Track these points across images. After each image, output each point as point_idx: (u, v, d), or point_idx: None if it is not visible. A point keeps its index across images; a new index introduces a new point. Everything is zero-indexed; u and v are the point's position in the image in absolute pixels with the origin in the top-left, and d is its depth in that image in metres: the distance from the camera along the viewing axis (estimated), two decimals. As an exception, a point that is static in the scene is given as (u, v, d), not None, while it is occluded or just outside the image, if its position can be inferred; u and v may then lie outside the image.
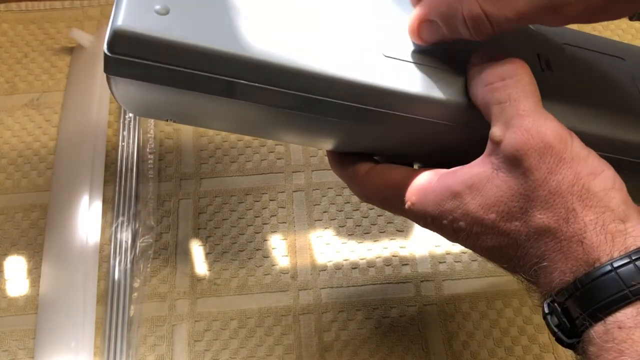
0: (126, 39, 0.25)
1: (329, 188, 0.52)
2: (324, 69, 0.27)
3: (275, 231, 0.50)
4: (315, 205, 0.51)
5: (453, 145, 0.31)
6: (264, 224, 0.50)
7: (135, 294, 0.47)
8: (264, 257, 0.49)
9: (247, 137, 0.54)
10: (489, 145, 0.27)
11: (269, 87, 0.28)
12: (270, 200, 0.51)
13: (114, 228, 0.49)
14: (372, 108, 0.29)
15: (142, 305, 0.46)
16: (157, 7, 0.26)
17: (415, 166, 0.33)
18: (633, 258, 0.23)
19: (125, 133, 0.53)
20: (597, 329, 0.23)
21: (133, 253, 0.48)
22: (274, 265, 0.48)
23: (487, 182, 0.26)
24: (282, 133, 0.35)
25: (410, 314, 0.47)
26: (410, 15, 0.29)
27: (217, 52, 0.26)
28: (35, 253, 0.48)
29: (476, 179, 0.26)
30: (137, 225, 0.49)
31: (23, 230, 0.49)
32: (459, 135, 0.30)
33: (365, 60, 0.28)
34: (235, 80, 0.27)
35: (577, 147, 0.26)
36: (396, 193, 0.30)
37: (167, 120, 0.31)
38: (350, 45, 0.29)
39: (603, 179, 0.25)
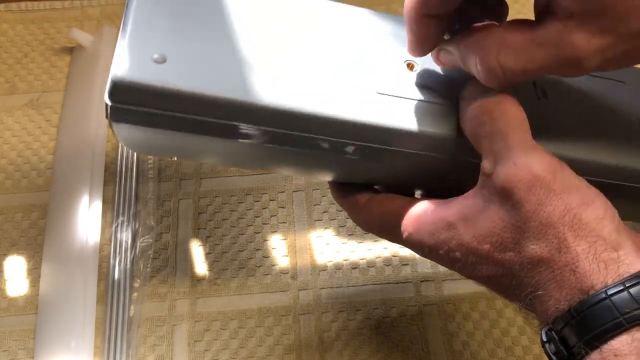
0: (126, 89, 0.26)
1: (328, 188, 0.52)
2: (319, 110, 0.28)
3: (275, 231, 0.50)
4: (315, 205, 0.51)
5: (450, 175, 0.31)
6: (264, 224, 0.50)
7: (135, 294, 0.47)
8: (264, 257, 0.49)
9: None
10: (480, 177, 0.27)
11: (266, 129, 0.28)
12: (270, 200, 0.51)
13: (114, 228, 0.49)
14: (368, 144, 0.29)
15: (142, 305, 0.46)
16: (155, 55, 0.26)
17: (417, 194, 0.34)
18: (627, 285, 0.23)
19: (125, 133, 0.53)
20: (594, 357, 0.24)
21: (133, 253, 0.48)
22: (274, 265, 0.48)
23: (480, 214, 0.27)
24: (282, 168, 0.36)
25: (410, 314, 0.47)
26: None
27: (215, 98, 0.27)
28: (35, 253, 0.48)
29: (469, 211, 0.27)
30: (137, 225, 0.49)
31: (23, 230, 0.49)
32: (456, 166, 0.30)
33: (360, 98, 0.29)
34: (233, 123, 0.28)
35: (568, 177, 0.26)
36: (394, 223, 0.30)
37: (170, 158, 0.32)
38: (345, 84, 0.29)
39: (595, 208, 0.25)
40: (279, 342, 0.45)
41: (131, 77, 0.26)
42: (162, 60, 0.26)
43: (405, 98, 0.30)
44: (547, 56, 0.26)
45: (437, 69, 0.31)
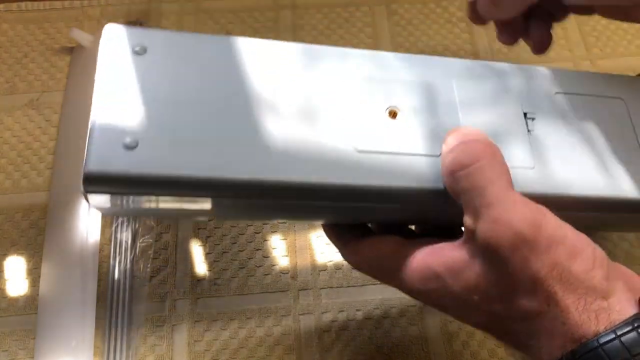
0: (97, 180, 0.26)
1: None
2: (297, 179, 0.27)
3: (275, 231, 0.50)
4: (315, 205, 0.51)
5: (441, 217, 0.31)
6: (264, 224, 0.50)
7: (135, 294, 0.46)
8: (264, 257, 0.49)
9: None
10: (465, 230, 0.27)
11: (244, 200, 0.28)
12: (270, 200, 0.51)
13: (114, 228, 0.49)
14: (351, 204, 0.29)
15: (142, 305, 0.46)
16: (127, 139, 0.26)
17: (416, 228, 0.34)
18: (618, 334, 0.23)
19: (125, 133, 0.53)
20: None
21: (133, 253, 0.48)
22: (274, 265, 0.48)
23: (466, 267, 0.26)
24: (267, 220, 0.35)
25: (410, 314, 0.47)
26: None
27: (190, 178, 0.26)
28: (35, 253, 0.48)
29: (455, 264, 0.27)
30: (137, 225, 0.49)
31: (23, 230, 0.49)
32: (444, 213, 0.29)
33: (339, 161, 0.28)
34: (211, 197, 0.27)
35: (552, 228, 0.25)
36: (385, 266, 0.30)
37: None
38: (322, 146, 0.28)
39: (583, 260, 0.25)
40: (279, 342, 0.45)
41: (103, 168, 0.25)
42: (134, 145, 0.26)
43: (386, 153, 0.29)
44: None
45: (422, 114, 0.30)
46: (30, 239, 0.49)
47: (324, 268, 0.48)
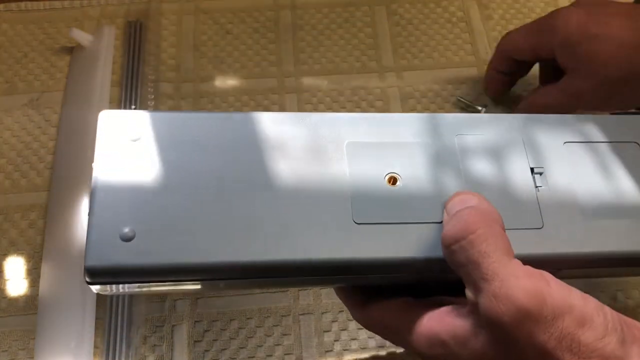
0: (98, 274, 0.26)
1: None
2: (297, 257, 0.27)
3: (275, 231, 0.50)
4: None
5: (447, 281, 0.30)
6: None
7: (136, 294, 0.46)
8: (264, 257, 0.49)
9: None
10: (468, 301, 0.26)
11: (246, 280, 0.28)
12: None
13: (113, 228, 0.49)
14: (352, 276, 0.29)
15: (142, 305, 0.46)
16: (126, 230, 0.26)
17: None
18: None
19: (125, 133, 0.53)
20: None
21: (133, 253, 0.48)
22: (274, 265, 0.48)
23: (472, 336, 0.26)
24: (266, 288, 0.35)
25: (410, 314, 0.47)
26: None
27: (189, 265, 0.26)
28: (35, 253, 0.48)
29: (461, 332, 0.26)
30: (137, 225, 0.49)
31: (22, 230, 0.49)
32: (449, 277, 0.28)
33: (336, 234, 0.27)
34: (211, 280, 0.28)
35: (558, 298, 0.24)
36: (393, 329, 0.30)
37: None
38: (319, 220, 0.28)
39: (593, 327, 0.24)
40: (279, 343, 0.45)
41: (102, 263, 0.26)
42: (131, 237, 0.26)
43: (385, 224, 0.28)
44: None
45: (423, 178, 0.29)
46: (30, 239, 0.49)
47: (324, 268, 0.48)
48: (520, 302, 0.23)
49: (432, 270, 0.28)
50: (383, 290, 0.31)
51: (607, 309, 0.25)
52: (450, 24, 0.62)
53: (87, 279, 0.26)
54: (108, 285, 0.27)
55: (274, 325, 0.46)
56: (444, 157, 0.30)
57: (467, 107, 0.56)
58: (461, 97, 0.56)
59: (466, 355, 0.26)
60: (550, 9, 0.63)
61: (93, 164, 0.28)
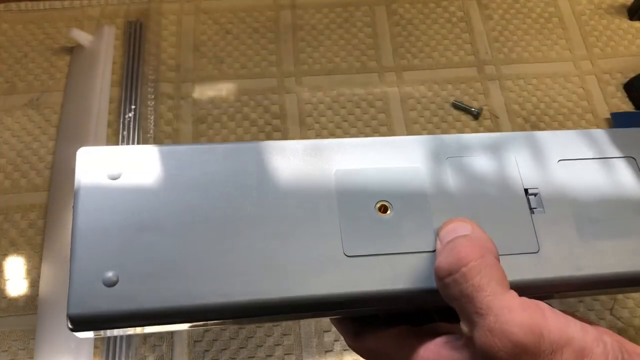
0: (81, 322, 0.26)
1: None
2: (287, 295, 0.26)
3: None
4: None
5: (443, 309, 0.29)
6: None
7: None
8: (264, 257, 0.49)
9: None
10: (463, 333, 0.26)
11: (234, 319, 0.28)
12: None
13: (113, 228, 0.49)
14: (344, 310, 0.28)
15: (142, 306, 0.46)
16: (109, 274, 0.26)
17: None
18: None
19: (125, 133, 0.53)
20: None
21: (133, 253, 0.48)
22: (274, 265, 0.48)
23: None
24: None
25: (410, 314, 0.47)
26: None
27: (174, 309, 0.26)
28: (35, 253, 0.48)
29: None
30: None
31: (22, 230, 0.49)
32: (445, 307, 0.28)
33: (327, 269, 0.27)
34: (196, 322, 0.27)
35: (556, 331, 0.23)
36: (389, 358, 0.29)
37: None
38: (309, 255, 0.27)
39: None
40: (279, 343, 0.45)
41: (85, 310, 0.25)
42: (114, 281, 0.26)
43: (376, 255, 0.27)
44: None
45: (414, 205, 0.28)
46: (30, 238, 0.49)
47: (324, 268, 0.48)
48: (516, 337, 0.23)
49: (426, 301, 0.28)
50: (378, 318, 0.31)
51: (607, 337, 0.24)
52: (450, 24, 0.62)
53: (70, 327, 0.26)
54: (92, 332, 0.27)
55: (274, 325, 0.46)
56: (435, 182, 0.29)
57: (463, 111, 0.56)
58: (456, 101, 0.56)
59: None
60: (551, 9, 0.63)
61: (72, 205, 0.28)
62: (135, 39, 0.59)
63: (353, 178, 0.29)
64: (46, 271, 0.47)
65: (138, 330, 0.28)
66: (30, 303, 0.46)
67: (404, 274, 0.27)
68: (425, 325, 0.29)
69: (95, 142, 0.53)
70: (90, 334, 0.27)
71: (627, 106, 0.57)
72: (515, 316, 0.23)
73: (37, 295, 0.46)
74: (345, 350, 0.45)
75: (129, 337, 0.45)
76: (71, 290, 0.26)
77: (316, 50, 0.60)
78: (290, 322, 0.46)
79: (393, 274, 0.27)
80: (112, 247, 0.26)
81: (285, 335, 0.46)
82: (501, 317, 0.23)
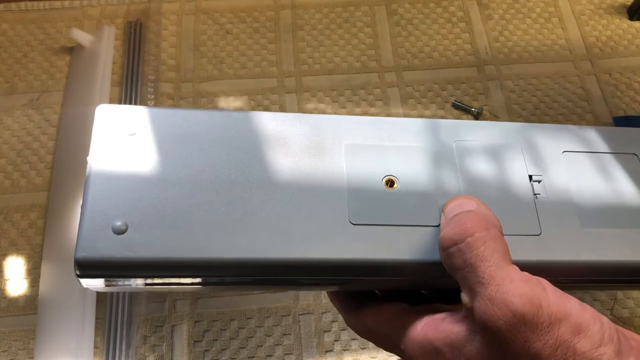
0: (88, 266, 0.26)
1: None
2: (290, 256, 0.27)
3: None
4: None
5: (442, 286, 0.29)
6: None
7: (135, 294, 0.46)
8: (264, 257, 0.49)
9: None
10: (463, 306, 0.25)
11: (238, 278, 0.28)
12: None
13: (113, 228, 0.49)
14: (348, 278, 0.28)
15: (142, 305, 0.46)
16: (118, 223, 0.26)
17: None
18: None
19: (125, 133, 0.54)
20: None
21: (133, 253, 0.48)
22: (274, 265, 0.48)
23: (467, 343, 0.25)
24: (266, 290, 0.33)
25: (410, 314, 0.47)
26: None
27: (181, 260, 0.26)
28: (35, 253, 0.48)
29: (455, 339, 0.25)
30: (137, 225, 0.49)
31: (22, 230, 0.49)
32: (444, 282, 0.28)
33: (332, 235, 0.27)
34: (203, 278, 0.27)
35: (554, 304, 0.24)
36: (386, 336, 0.29)
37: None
38: (316, 220, 0.27)
39: (589, 336, 0.23)
40: (279, 343, 0.45)
41: (93, 255, 0.25)
42: (123, 230, 0.26)
43: (381, 225, 0.28)
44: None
45: (421, 181, 0.29)
46: (30, 238, 0.49)
47: (324, 268, 0.48)
48: (515, 307, 0.23)
49: (427, 274, 0.28)
50: (377, 297, 0.31)
51: (604, 318, 0.24)
52: (450, 24, 0.62)
53: (77, 272, 0.26)
54: (97, 280, 0.27)
55: (274, 325, 0.46)
56: (442, 162, 0.30)
57: (463, 111, 0.56)
58: (457, 101, 0.56)
59: None
60: (550, 9, 0.63)
61: (88, 157, 0.28)
62: (135, 39, 0.59)
63: (362, 152, 0.29)
64: (46, 271, 0.47)
65: (140, 283, 0.28)
66: (30, 303, 0.46)
67: (407, 246, 0.27)
68: (422, 305, 0.29)
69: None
70: (94, 283, 0.28)
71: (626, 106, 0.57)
72: (516, 287, 0.24)
73: (37, 295, 0.46)
74: (345, 350, 0.45)
75: (129, 337, 0.45)
76: (80, 235, 0.26)
77: (316, 50, 0.60)
78: (290, 322, 0.46)
79: (396, 244, 0.27)
80: (123, 198, 0.27)
81: (285, 335, 0.46)
82: (502, 287, 0.23)
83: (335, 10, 0.62)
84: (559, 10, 0.63)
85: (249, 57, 0.59)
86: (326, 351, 0.45)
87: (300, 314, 0.46)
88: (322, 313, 0.46)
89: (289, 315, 0.46)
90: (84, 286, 0.28)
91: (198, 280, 0.28)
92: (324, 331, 0.46)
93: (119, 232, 0.26)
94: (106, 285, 0.28)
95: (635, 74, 0.58)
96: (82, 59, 0.57)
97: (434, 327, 0.27)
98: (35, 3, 0.61)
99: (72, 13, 0.61)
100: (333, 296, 0.33)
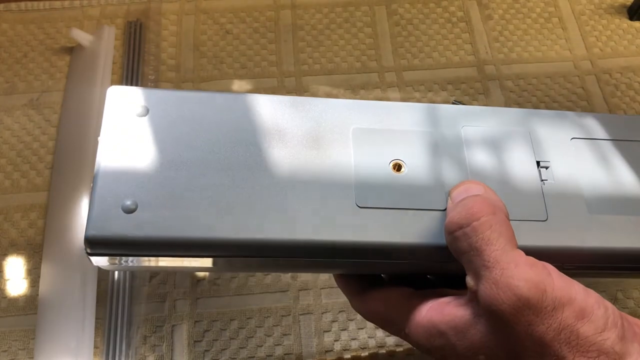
0: (98, 244, 0.26)
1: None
2: (296, 237, 0.27)
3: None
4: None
5: (448, 271, 0.30)
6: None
7: (135, 294, 0.46)
8: (264, 257, 0.49)
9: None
10: (468, 289, 0.26)
11: (244, 257, 0.28)
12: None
13: (113, 228, 0.49)
14: (354, 261, 0.28)
15: (142, 305, 0.46)
16: (128, 202, 0.26)
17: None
18: None
19: (125, 133, 0.53)
20: None
21: (133, 253, 0.48)
22: (274, 265, 0.48)
23: (471, 326, 0.25)
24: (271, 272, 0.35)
25: (410, 314, 0.47)
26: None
27: (189, 240, 0.26)
28: (35, 253, 0.48)
29: (460, 322, 0.26)
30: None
31: (22, 230, 0.49)
32: (450, 267, 0.28)
33: (339, 217, 0.28)
34: (211, 256, 0.28)
35: (558, 289, 0.24)
36: (391, 320, 0.29)
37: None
38: (323, 202, 0.28)
39: (593, 321, 0.24)
40: (279, 343, 0.45)
41: (103, 233, 0.26)
42: (133, 209, 0.26)
43: (388, 208, 0.28)
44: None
45: (428, 166, 0.29)
46: (30, 238, 0.49)
47: (324, 268, 0.48)
48: (520, 290, 0.23)
49: (433, 258, 0.28)
50: (382, 281, 0.32)
51: (609, 304, 0.25)
52: (450, 24, 0.62)
53: (87, 250, 0.27)
54: (107, 258, 0.27)
55: (274, 325, 0.46)
56: (449, 147, 0.30)
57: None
58: (457, 101, 0.56)
59: (463, 347, 0.26)
60: (550, 9, 0.63)
61: (99, 137, 0.29)
62: (135, 39, 0.59)
63: (370, 136, 0.30)
64: (46, 271, 0.47)
65: (145, 261, 0.28)
66: (30, 303, 0.46)
67: (413, 229, 0.28)
68: (427, 290, 0.29)
69: (95, 142, 0.53)
70: (104, 261, 0.28)
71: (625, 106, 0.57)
72: (521, 271, 0.24)
73: (37, 295, 0.46)
74: (345, 350, 0.45)
75: (129, 337, 0.45)
76: (90, 213, 0.26)
77: (316, 50, 0.60)
78: (290, 322, 0.46)
79: (403, 227, 0.28)
80: (133, 178, 0.27)
81: (285, 335, 0.46)
82: (507, 271, 0.24)
83: (335, 10, 0.62)
84: (559, 10, 0.63)
85: (249, 57, 0.59)
86: (326, 351, 0.45)
87: (300, 314, 0.46)
88: (322, 313, 0.46)
89: (289, 315, 0.46)
90: (94, 264, 0.28)
91: (206, 260, 0.28)
92: (324, 331, 0.46)
93: (129, 211, 0.27)
94: (115, 264, 0.28)
95: (635, 74, 0.58)
96: (82, 59, 0.57)
97: (438, 311, 0.27)
98: (35, 3, 0.61)
99: (72, 13, 0.61)
100: (339, 279, 0.33)
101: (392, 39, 0.61)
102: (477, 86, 0.58)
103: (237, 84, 0.57)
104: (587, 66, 0.59)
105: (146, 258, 0.28)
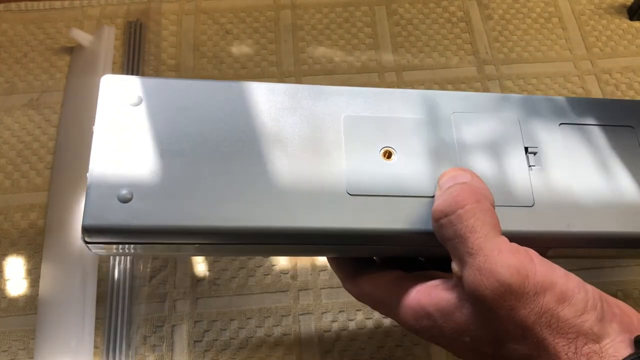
0: (95, 233, 0.27)
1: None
2: (288, 225, 0.27)
3: (275, 231, 0.50)
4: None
5: (438, 254, 0.30)
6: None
7: (135, 294, 0.46)
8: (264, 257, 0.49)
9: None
10: (454, 274, 0.27)
11: (234, 245, 0.28)
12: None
13: (113, 228, 0.49)
14: (345, 246, 0.29)
15: (142, 305, 0.46)
16: (123, 191, 0.27)
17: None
18: None
19: (125, 133, 0.53)
20: None
21: (133, 253, 0.48)
22: (274, 265, 0.48)
23: (456, 309, 0.26)
24: (264, 256, 0.36)
25: (410, 314, 0.47)
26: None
27: (184, 228, 0.27)
28: (35, 253, 0.48)
29: (446, 305, 0.27)
30: (137, 225, 0.49)
31: (22, 230, 0.49)
32: (439, 251, 0.29)
33: (328, 204, 0.28)
34: (205, 243, 0.28)
35: (540, 275, 0.25)
36: (382, 301, 0.30)
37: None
38: (313, 189, 0.28)
39: (573, 304, 0.24)
40: (279, 343, 0.45)
41: (99, 222, 0.26)
42: (129, 198, 0.27)
43: (377, 195, 0.28)
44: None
45: (418, 153, 0.29)
46: (30, 239, 0.49)
47: (324, 268, 0.48)
48: (502, 277, 0.24)
49: (422, 244, 0.29)
50: (374, 263, 0.32)
51: (589, 286, 0.25)
52: (450, 24, 0.62)
53: (85, 239, 0.27)
54: (105, 246, 0.28)
55: (274, 325, 0.46)
56: (439, 134, 0.30)
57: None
58: None
59: (449, 329, 0.26)
60: (550, 9, 0.63)
61: (94, 127, 0.29)
62: (135, 39, 0.59)
63: (360, 124, 0.30)
64: (46, 271, 0.47)
65: (147, 250, 0.29)
66: (30, 303, 0.46)
67: (403, 216, 0.28)
68: (418, 272, 0.30)
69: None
70: (101, 250, 0.28)
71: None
72: (504, 257, 0.24)
73: (37, 295, 0.46)
74: (345, 351, 0.45)
75: (129, 337, 0.45)
76: (87, 204, 0.27)
77: (316, 50, 0.60)
78: (290, 322, 0.46)
79: (392, 214, 0.28)
80: (128, 167, 0.27)
81: (285, 335, 0.46)
82: (490, 258, 0.24)
83: (335, 10, 0.62)
84: (559, 10, 0.63)
85: (249, 57, 0.59)
86: (326, 351, 0.45)
87: (300, 314, 0.46)
88: (322, 313, 0.46)
89: (289, 315, 0.46)
90: (92, 252, 0.28)
91: (200, 246, 0.28)
92: (324, 331, 0.46)
93: (125, 200, 0.27)
94: (112, 251, 0.29)
95: (635, 74, 0.58)
96: (82, 59, 0.57)
97: (426, 294, 0.28)
98: (35, 3, 0.61)
99: (72, 13, 0.61)
100: (332, 262, 0.34)
101: (392, 39, 0.61)
102: (477, 86, 0.58)
103: (237, 84, 0.57)
104: (587, 66, 0.59)
105: (142, 246, 0.28)
